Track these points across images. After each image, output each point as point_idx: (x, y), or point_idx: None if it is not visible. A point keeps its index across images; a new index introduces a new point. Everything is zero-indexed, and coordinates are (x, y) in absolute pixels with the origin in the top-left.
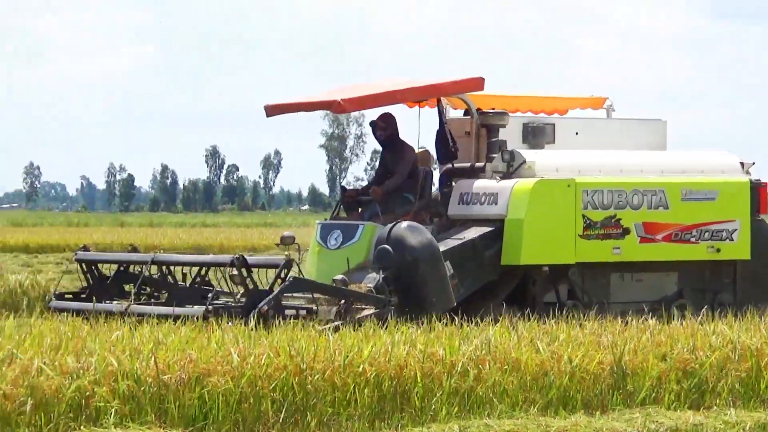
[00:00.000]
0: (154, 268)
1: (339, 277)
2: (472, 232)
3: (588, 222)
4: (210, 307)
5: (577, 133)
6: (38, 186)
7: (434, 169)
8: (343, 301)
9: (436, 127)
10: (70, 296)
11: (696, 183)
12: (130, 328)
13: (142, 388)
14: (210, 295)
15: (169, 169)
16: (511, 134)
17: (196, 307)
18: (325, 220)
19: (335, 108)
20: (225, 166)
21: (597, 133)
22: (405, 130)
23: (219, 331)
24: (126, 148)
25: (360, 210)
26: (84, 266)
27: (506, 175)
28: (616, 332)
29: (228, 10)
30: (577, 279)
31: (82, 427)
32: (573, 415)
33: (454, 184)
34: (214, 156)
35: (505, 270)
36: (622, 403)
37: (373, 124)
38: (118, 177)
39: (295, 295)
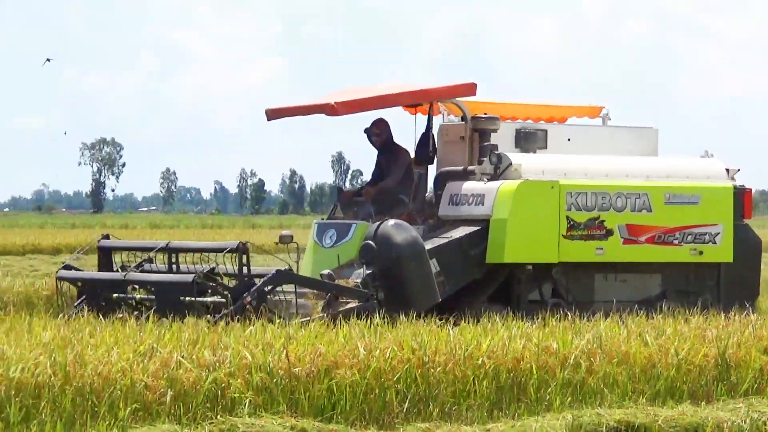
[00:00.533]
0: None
1: (326, 271)
2: (459, 232)
3: (571, 223)
4: (198, 279)
5: (569, 139)
6: (174, 190)
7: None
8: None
9: (434, 129)
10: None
11: (679, 187)
12: (262, 324)
13: (275, 380)
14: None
15: (298, 174)
16: (504, 139)
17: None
18: (322, 219)
19: (329, 111)
20: (350, 171)
21: (589, 139)
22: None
23: (346, 326)
24: (257, 154)
25: (356, 210)
26: (103, 254)
27: (493, 177)
28: (720, 327)
29: (349, 26)
30: (561, 278)
31: (218, 417)
32: (680, 405)
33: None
34: (339, 161)
35: (490, 268)
36: (726, 393)
37: (367, 131)
38: (249, 181)
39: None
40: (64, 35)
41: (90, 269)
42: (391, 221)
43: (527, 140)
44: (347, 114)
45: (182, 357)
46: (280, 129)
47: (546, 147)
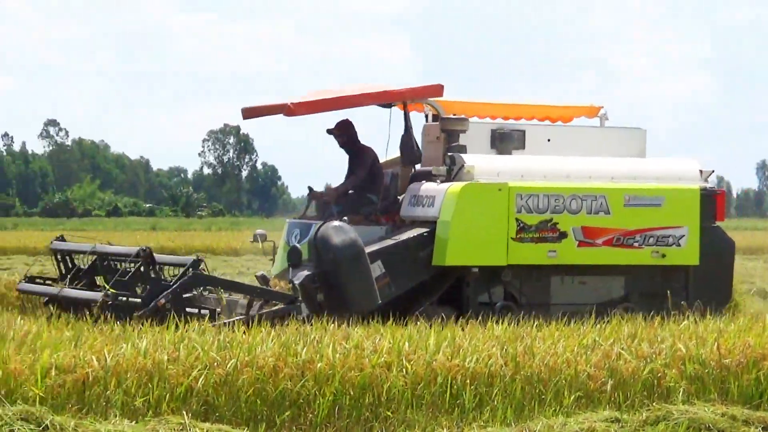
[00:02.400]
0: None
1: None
2: (408, 233)
3: (522, 225)
4: (108, 295)
5: (549, 140)
6: None
7: None
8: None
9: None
10: (41, 281)
11: (640, 189)
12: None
13: (706, 370)
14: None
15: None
16: (479, 140)
17: (94, 293)
18: (294, 218)
19: (286, 111)
20: None
21: (570, 140)
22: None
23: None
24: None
25: (323, 210)
26: (59, 256)
27: (447, 179)
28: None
29: None
30: (514, 281)
31: (654, 404)
32: None
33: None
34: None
35: (439, 271)
36: None
37: (329, 132)
38: None
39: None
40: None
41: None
42: (332, 223)
43: (502, 141)
44: (304, 114)
45: (622, 349)
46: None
47: (524, 148)
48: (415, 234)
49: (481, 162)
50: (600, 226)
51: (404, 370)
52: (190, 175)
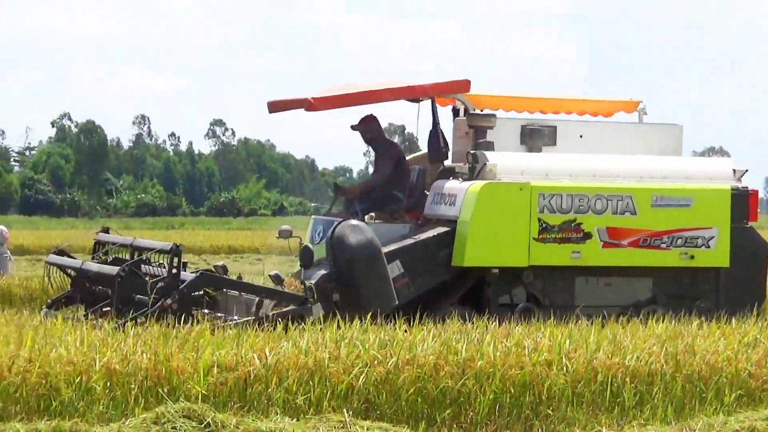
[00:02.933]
0: None
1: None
2: (428, 233)
3: (544, 225)
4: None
5: (581, 136)
6: None
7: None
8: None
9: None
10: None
11: (668, 189)
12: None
13: None
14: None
15: None
16: (509, 136)
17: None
18: (320, 215)
19: (307, 106)
20: None
21: (603, 136)
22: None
23: None
24: None
25: (349, 207)
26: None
27: (470, 177)
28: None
29: None
30: (536, 282)
31: None
32: None
33: None
34: None
35: (460, 271)
36: None
37: (353, 128)
38: None
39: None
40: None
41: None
42: (350, 222)
43: (532, 137)
44: (324, 109)
45: None
46: None
47: (555, 144)
48: (436, 233)
49: (504, 160)
50: (626, 227)
51: (565, 368)
52: (355, 175)
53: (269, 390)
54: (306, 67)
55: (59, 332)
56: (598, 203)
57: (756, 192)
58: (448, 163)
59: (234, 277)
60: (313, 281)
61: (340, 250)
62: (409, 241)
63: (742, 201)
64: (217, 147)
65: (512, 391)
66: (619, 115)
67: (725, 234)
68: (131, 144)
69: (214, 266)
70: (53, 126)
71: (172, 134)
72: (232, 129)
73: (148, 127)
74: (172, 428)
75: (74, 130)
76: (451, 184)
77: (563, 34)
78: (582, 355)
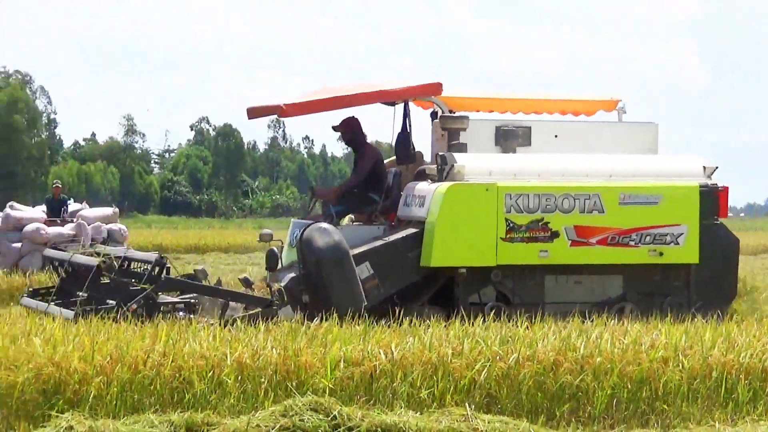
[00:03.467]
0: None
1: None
2: (398, 234)
3: (511, 225)
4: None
5: (556, 136)
6: None
7: None
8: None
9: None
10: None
11: (636, 187)
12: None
13: None
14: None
15: None
16: (483, 137)
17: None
18: (299, 218)
19: (280, 112)
20: None
21: (579, 136)
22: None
23: None
24: None
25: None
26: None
27: (439, 179)
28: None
29: None
30: (506, 281)
31: None
32: None
33: None
34: None
35: (430, 271)
36: None
37: (334, 128)
38: None
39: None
40: None
41: None
42: (317, 225)
43: (506, 138)
44: (297, 116)
45: None
46: None
47: (530, 144)
48: (405, 235)
49: (472, 161)
50: (594, 225)
51: (680, 365)
52: None
53: (394, 384)
54: (434, 70)
55: (193, 329)
56: (565, 202)
57: (726, 189)
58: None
59: (214, 282)
60: (282, 284)
61: (308, 253)
62: (378, 243)
63: (712, 198)
64: (348, 149)
65: (629, 386)
66: (600, 114)
67: (694, 231)
68: (267, 147)
69: (194, 270)
70: (192, 129)
71: (306, 137)
72: None
73: (283, 130)
74: (300, 421)
75: (212, 133)
76: (421, 186)
77: (685, 40)
78: (697, 352)
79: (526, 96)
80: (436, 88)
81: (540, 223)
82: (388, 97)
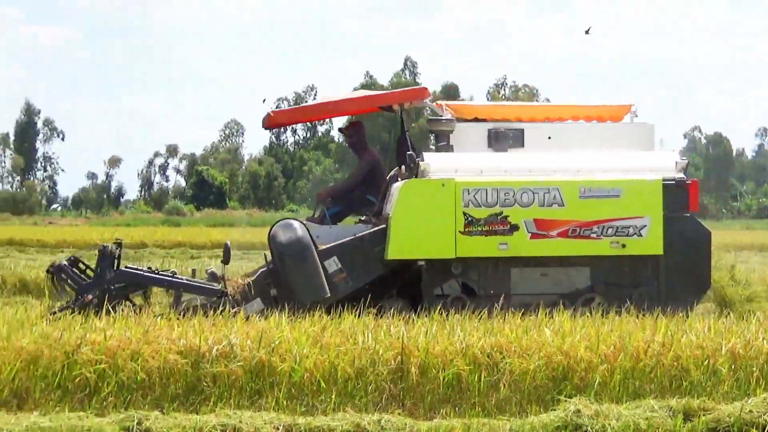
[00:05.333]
0: None
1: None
2: (367, 230)
3: (469, 219)
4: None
5: (549, 137)
6: None
7: None
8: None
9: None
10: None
11: (595, 182)
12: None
13: None
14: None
15: None
16: (476, 140)
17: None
18: (305, 220)
19: (266, 121)
20: None
21: (572, 136)
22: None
23: None
24: None
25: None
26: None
27: (408, 177)
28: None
29: None
30: (467, 273)
31: None
32: None
33: None
34: None
35: (395, 265)
36: None
37: (340, 130)
38: None
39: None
40: None
41: None
42: (284, 221)
43: (497, 140)
44: (284, 125)
45: None
46: None
47: (522, 146)
48: (373, 230)
49: (437, 160)
50: (554, 218)
51: None
52: None
53: None
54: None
55: (690, 321)
56: (524, 196)
57: (695, 182)
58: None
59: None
60: (252, 278)
61: (273, 248)
62: (347, 238)
63: (679, 191)
64: None
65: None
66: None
67: (657, 223)
68: (754, 154)
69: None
70: (685, 137)
71: None
72: None
73: None
74: None
75: (703, 141)
76: (395, 185)
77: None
78: None
79: (540, 104)
80: (422, 92)
81: (499, 217)
82: (375, 103)
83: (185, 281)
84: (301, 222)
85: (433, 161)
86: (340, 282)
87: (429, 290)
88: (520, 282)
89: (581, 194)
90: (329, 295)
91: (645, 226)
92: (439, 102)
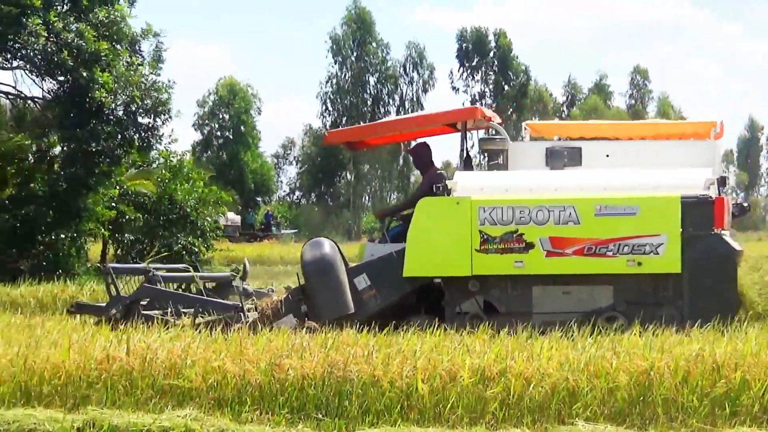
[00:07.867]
0: None
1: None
2: (397, 248)
3: (485, 237)
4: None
5: (607, 156)
6: None
7: None
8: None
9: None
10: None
11: (612, 199)
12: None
13: None
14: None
15: None
16: (535, 158)
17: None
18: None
19: (323, 140)
20: None
21: (630, 154)
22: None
23: None
24: None
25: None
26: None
27: (439, 195)
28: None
29: None
30: (489, 291)
31: None
32: None
33: None
34: None
35: (422, 283)
36: None
37: (405, 151)
38: None
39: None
40: None
41: None
42: (314, 239)
43: (553, 158)
44: (337, 143)
45: None
46: None
47: (580, 164)
48: (400, 248)
49: (464, 178)
50: (569, 236)
51: None
52: None
53: None
54: None
55: None
56: (539, 214)
57: (721, 199)
58: None
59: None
60: (284, 295)
61: (302, 266)
62: (377, 257)
63: (702, 208)
64: None
65: None
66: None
67: (675, 241)
68: None
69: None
70: None
71: None
72: None
73: None
74: None
75: None
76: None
77: None
78: None
79: (624, 122)
80: (473, 112)
81: (514, 235)
82: (425, 123)
83: (203, 298)
84: (331, 241)
85: (461, 179)
86: (369, 299)
87: (450, 308)
88: (542, 300)
89: (597, 212)
90: (352, 311)
91: (662, 244)
92: (527, 123)
